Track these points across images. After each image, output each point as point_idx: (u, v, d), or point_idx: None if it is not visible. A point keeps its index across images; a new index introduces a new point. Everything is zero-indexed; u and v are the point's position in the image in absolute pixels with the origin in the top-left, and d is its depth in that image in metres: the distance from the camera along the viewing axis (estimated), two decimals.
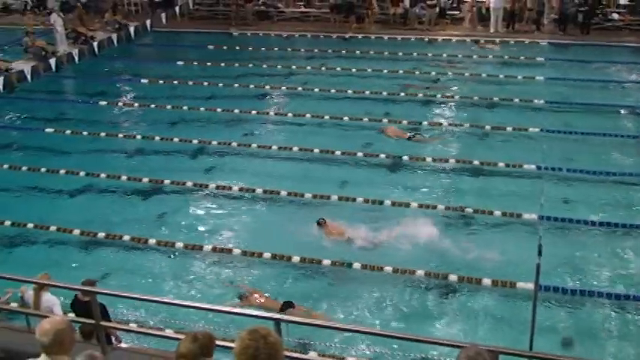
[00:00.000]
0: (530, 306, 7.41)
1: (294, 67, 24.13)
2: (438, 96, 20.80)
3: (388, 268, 11.88)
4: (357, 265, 12.02)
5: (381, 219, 13.65)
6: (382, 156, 16.44)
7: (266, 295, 11.28)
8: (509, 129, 17.83)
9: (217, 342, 4.96)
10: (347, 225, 13.26)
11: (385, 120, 18.60)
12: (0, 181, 15.92)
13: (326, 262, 12.16)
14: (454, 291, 11.46)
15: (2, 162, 16.79)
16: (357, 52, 25.71)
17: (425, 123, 18.51)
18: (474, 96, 20.56)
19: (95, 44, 26.54)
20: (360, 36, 27.91)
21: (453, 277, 11.63)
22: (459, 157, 16.36)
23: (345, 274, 11.94)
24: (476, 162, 15.97)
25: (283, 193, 14.76)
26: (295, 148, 16.93)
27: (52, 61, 24.23)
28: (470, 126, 18.23)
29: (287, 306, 10.54)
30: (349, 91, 21.19)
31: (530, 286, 10.32)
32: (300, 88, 21.80)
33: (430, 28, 28.13)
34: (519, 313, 10.56)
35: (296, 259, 12.28)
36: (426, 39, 27.26)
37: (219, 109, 19.96)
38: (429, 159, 16.26)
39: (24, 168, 16.45)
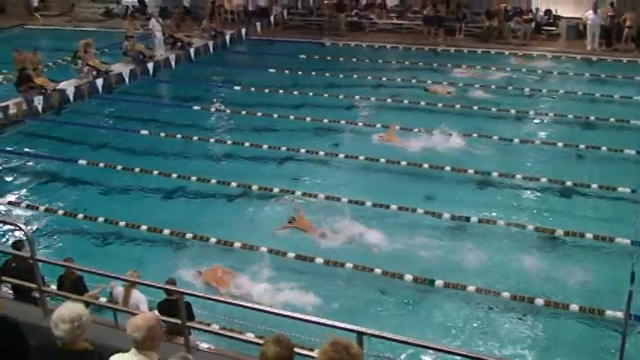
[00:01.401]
0: (620, 336, 7.12)
1: (384, 78, 24.10)
2: (531, 112, 20.41)
3: (471, 288, 11.64)
4: (439, 283, 11.83)
5: (466, 236, 13.46)
6: (470, 171, 16.20)
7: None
8: (603, 149, 17.27)
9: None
10: (431, 242, 13.14)
11: (475, 135, 18.33)
12: (96, 179, 16.57)
13: (408, 277, 12.05)
14: (539, 315, 11.14)
15: (99, 160, 17.45)
16: (449, 65, 25.48)
17: (516, 140, 18.14)
18: (569, 114, 20.03)
19: (192, 50, 27.26)
20: (452, 49, 27.70)
21: (539, 301, 11.28)
22: (550, 176, 15.92)
23: (427, 291, 11.81)
24: (568, 182, 15.51)
25: (368, 203, 14.73)
26: (382, 160, 16.89)
27: (150, 65, 25.04)
28: (563, 145, 17.74)
29: None
30: (439, 105, 21.01)
31: (620, 314, 9.97)
32: (389, 100, 21.75)
33: (525, 43, 27.61)
34: (607, 342, 10.18)
35: (377, 271, 12.21)
36: (520, 54, 26.77)
37: (308, 118, 20.14)
38: (519, 176, 15.91)
39: (119, 167, 17.02)
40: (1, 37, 32.55)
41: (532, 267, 12.32)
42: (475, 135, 18.36)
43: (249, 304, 7.21)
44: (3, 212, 15.07)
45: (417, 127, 18.82)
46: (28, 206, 15.28)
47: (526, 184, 15.72)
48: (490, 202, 15.00)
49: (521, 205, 14.87)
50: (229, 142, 18.75)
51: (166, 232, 13.77)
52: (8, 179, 16.98)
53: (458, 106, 20.83)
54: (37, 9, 35.84)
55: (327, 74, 24.75)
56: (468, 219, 13.99)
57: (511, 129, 19.08)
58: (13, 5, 36.63)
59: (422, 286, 11.87)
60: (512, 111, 20.47)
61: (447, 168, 16.37)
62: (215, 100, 22.67)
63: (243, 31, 30.22)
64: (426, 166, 16.52)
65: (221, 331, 9.06)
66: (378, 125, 19.32)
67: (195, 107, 21.86)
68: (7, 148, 18.85)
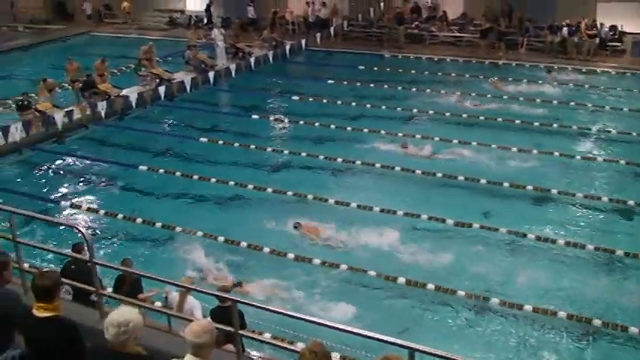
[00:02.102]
0: None
1: (442, 91, 23.89)
2: (594, 129, 19.98)
3: (528, 307, 11.42)
4: (495, 301, 11.64)
5: (523, 253, 13.23)
6: (529, 188, 15.92)
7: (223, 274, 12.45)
8: None
9: None
10: (487, 258, 12.96)
11: (535, 151, 18.03)
12: (155, 184, 16.88)
13: (461, 293, 11.88)
14: (597, 337, 10.84)
15: (158, 166, 17.79)
16: (510, 79, 25.12)
17: (577, 157, 17.78)
18: (632, 132, 19.56)
19: (252, 60, 27.51)
20: (514, 63, 27.33)
21: (596, 322, 11.00)
22: (612, 195, 15.55)
23: (481, 308, 11.63)
24: (630, 202, 15.13)
25: (424, 217, 14.61)
26: (439, 174, 16.74)
27: (211, 74, 25.33)
28: (626, 163, 17.31)
29: (236, 285, 11.73)
30: (499, 119, 20.75)
31: None
32: (447, 114, 21.54)
33: (589, 59, 27.06)
34: None
35: (430, 287, 12.08)
36: (584, 69, 26.25)
37: (365, 130, 20.08)
38: (579, 195, 15.57)
39: (178, 173, 17.30)
40: (69, 43, 33.61)
41: (590, 287, 12.07)
42: (535, 151, 18.06)
43: (301, 315, 7.19)
44: (64, 215, 15.45)
45: (475, 142, 18.61)
46: (88, 209, 15.65)
47: (586, 202, 15.37)
48: (548, 219, 14.71)
49: (581, 223, 14.54)
50: (286, 151, 18.86)
51: (221, 239, 13.89)
52: (70, 182, 17.41)
53: (518, 121, 20.51)
54: (89, 16, 37.00)
55: (385, 86, 24.70)
56: (524, 236, 13.75)
57: (572, 145, 18.74)
58: (81, 13, 37.71)
59: (476, 303, 11.69)
60: (574, 127, 20.08)
61: (505, 184, 16.12)
62: (273, 109, 22.87)
63: (303, 41, 30.34)
64: (483, 181, 16.29)
65: (272, 341, 9.08)
66: (437, 138, 19.09)
67: (254, 116, 22.07)
68: (71, 152, 19.37)
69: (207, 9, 35.00)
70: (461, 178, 16.50)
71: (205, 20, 34.53)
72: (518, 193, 15.87)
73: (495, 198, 15.70)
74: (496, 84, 24.28)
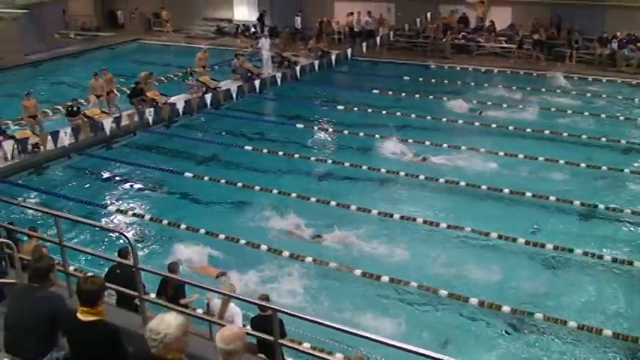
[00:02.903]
0: None
1: (489, 102, 23.63)
2: None
3: (572, 323, 11.20)
4: (539, 316, 11.44)
5: (569, 268, 13.00)
6: (576, 203, 15.63)
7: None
8: None
9: None
10: (532, 272, 12.75)
11: (583, 164, 17.71)
12: (200, 191, 17.04)
13: (505, 308, 11.70)
14: None
15: (204, 173, 17.98)
16: (558, 90, 24.78)
17: (626, 171, 17.41)
18: None
19: (298, 69, 27.58)
20: (561, 75, 26.87)
21: None
22: None
23: (525, 323, 11.44)
24: None
25: (467, 229, 14.46)
26: (484, 187, 16.55)
27: (257, 83, 25.44)
28: None
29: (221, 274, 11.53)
30: (546, 132, 20.44)
31: None
32: (494, 125, 21.32)
33: (639, 72, 26.52)
34: None
35: (474, 300, 11.93)
36: (634, 82, 25.75)
37: (410, 140, 19.97)
38: (627, 211, 15.23)
39: (222, 181, 17.44)
40: (118, 51, 34.31)
41: (638, 305, 11.77)
42: (583, 165, 17.75)
43: (340, 326, 7.16)
44: (110, 219, 15.68)
45: (522, 154, 18.37)
46: (134, 214, 15.86)
47: (634, 218, 15.02)
48: (595, 234, 14.44)
49: (629, 239, 14.22)
50: (329, 161, 18.88)
51: (264, 247, 13.94)
52: (117, 188, 17.71)
53: (565, 134, 20.19)
54: (123, 24, 38.49)
55: (430, 97, 24.56)
56: (571, 251, 13.50)
57: (620, 160, 18.36)
58: (130, 21, 38.48)
59: (520, 318, 11.51)
60: (623, 141, 19.67)
61: (552, 198, 15.86)
62: (318, 118, 22.91)
63: (349, 51, 30.29)
64: (529, 194, 16.05)
65: (310, 351, 9.05)
66: (482, 150, 18.90)
67: (299, 125, 22.14)
68: (118, 158, 19.69)
69: (260, 18, 35.24)
70: (506, 190, 16.29)
71: (256, 29, 34.72)
72: (564, 207, 15.60)
73: (541, 212, 15.47)
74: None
